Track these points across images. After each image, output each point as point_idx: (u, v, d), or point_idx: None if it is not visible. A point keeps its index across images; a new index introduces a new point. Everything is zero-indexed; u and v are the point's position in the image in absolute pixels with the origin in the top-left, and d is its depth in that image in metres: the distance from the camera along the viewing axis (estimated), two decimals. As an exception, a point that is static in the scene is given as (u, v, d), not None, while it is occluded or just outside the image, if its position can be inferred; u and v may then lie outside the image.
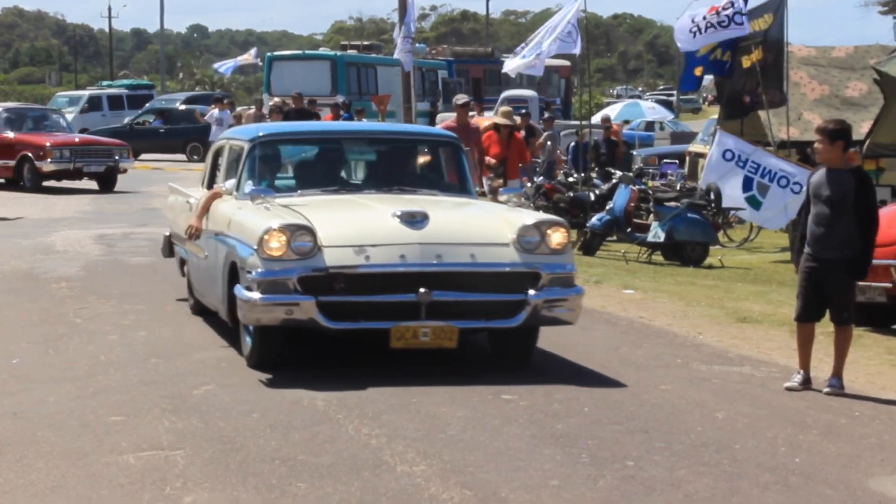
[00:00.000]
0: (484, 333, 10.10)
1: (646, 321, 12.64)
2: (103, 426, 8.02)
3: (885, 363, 10.77)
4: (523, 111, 27.54)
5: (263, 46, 77.65)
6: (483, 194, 11.47)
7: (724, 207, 19.56)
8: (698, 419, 8.44)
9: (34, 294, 13.61)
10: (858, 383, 9.80)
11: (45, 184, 28.55)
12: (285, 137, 11.76)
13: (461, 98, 17.04)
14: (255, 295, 9.21)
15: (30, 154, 28.32)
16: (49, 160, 28.17)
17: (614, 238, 19.69)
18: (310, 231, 9.28)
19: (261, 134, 11.19)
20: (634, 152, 32.82)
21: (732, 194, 18.98)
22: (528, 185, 20.03)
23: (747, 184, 18.80)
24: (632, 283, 15.53)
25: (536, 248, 9.56)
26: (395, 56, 29.48)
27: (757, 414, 8.67)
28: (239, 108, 36.98)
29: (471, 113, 18.85)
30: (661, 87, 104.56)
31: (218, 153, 12.05)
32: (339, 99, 33.18)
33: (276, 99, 32.92)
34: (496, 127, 17.38)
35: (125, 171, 29.62)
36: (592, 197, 20.75)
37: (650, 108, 42.53)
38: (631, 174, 21.25)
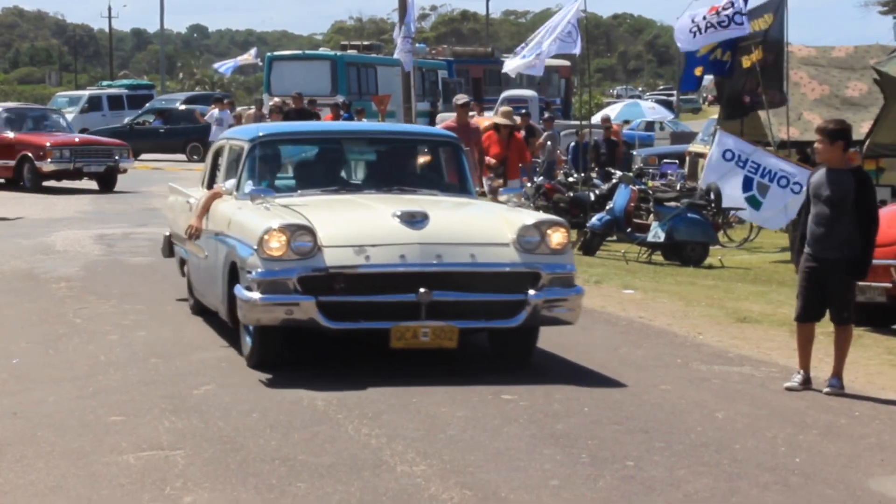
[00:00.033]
0: (483, 333, 10.09)
1: (646, 321, 12.64)
2: (103, 426, 8.02)
3: (884, 363, 10.77)
4: (523, 111, 27.54)
5: (263, 46, 77.70)
6: (483, 194, 11.45)
7: (724, 207, 19.57)
8: (698, 419, 8.44)
9: (34, 294, 13.61)
10: (858, 383, 9.80)
11: (46, 184, 28.53)
12: (285, 137, 11.75)
13: (461, 98, 17.04)
14: (255, 295, 9.20)
15: (30, 154, 28.28)
16: (49, 160, 28.14)
17: (614, 238, 19.69)
18: (310, 231, 9.27)
19: (261, 134, 11.18)
20: (634, 152, 32.82)
21: (732, 194, 18.98)
22: (528, 185, 20.04)
23: (747, 184, 18.80)
24: (632, 283, 15.53)
25: (536, 248, 9.55)
26: (395, 56, 29.47)
27: (757, 414, 8.67)
28: (239, 108, 36.98)
29: (471, 113, 18.84)
30: (661, 87, 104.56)
31: (218, 153, 12.03)
32: (339, 99, 33.18)
33: (276, 99, 32.92)
34: (496, 127, 17.38)
35: (125, 171, 29.59)
36: (592, 197, 20.75)
37: (650, 108, 42.52)
38: (631, 174, 21.25)
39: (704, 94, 74.79)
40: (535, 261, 9.52)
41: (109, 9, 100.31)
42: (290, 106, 29.11)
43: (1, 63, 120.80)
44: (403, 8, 28.33)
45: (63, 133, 29.69)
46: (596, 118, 30.62)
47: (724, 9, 18.88)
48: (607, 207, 19.51)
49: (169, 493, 6.71)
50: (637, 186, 19.89)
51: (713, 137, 20.69)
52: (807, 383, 9.50)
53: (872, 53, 22.70)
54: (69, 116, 37.52)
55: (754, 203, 18.93)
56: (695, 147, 29.94)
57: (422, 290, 9.19)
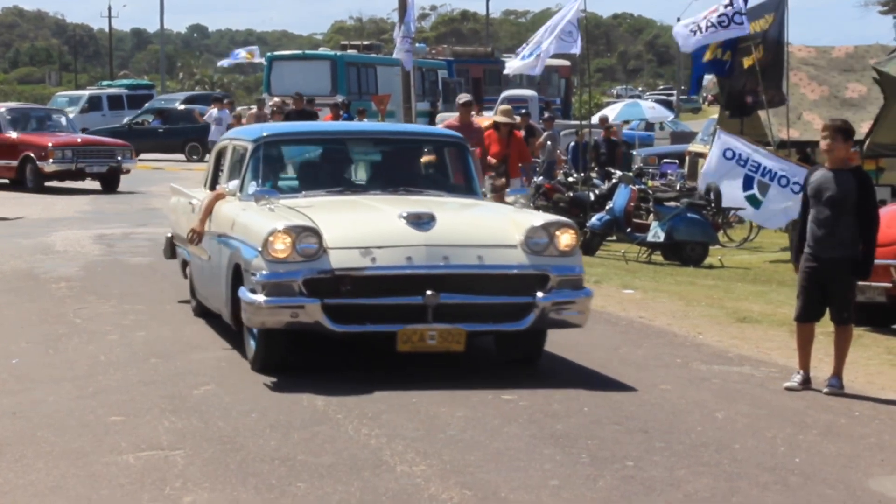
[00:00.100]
0: (487, 335, 9.99)
1: (645, 321, 12.64)
2: (103, 426, 8.02)
3: (884, 363, 10.78)
4: (523, 111, 27.55)
5: (263, 46, 77.57)
6: (485, 194, 11.39)
7: (724, 207, 19.57)
8: (698, 419, 8.44)
9: (34, 294, 13.61)
10: (858, 383, 9.80)
11: (48, 184, 28.47)
12: (289, 138, 11.62)
13: (463, 97, 16.99)
14: (260, 297, 9.09)
15: (32, 154, 28.22)
16: (51, 160, 28.06)
17: (614, 238, 19.69)
18: (315, 232, 9.16)
19: (265, 134, 11.05)
20: (634, 152, 32.84)
21: (732, 194, 18.98)
22: (528, 185, 20.02)
23: (748, 182, 18.79)
24: (631, 282, 15.54)
25: (545, 250, 9.43)
26: (394, 56, 29.46)
27: (756, 414, 8.67)
28: (239, 108, 36.98)
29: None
30: (661, 87, 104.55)
31: (221, 154, 11.95)
32: (339, 99, 33.16)
33: (276, 99, 32.92)
34: (496, 126, 17.36)
35: (128, 171, 29.43)
36: (592, 197, 20.77)
37: (650, 108, 42.45)
38: (631, 174, 21.26)
39: (704, 94, 74.76)
40: (544, 263, 9.40)
41: (109, 9, 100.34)
42: (290, 106, 29.11)
43: (1, 63, 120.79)
44: (403, 8, 28.32)
45: (66, 133, 29.60)
46: (595, 118, 30.62)
47: (724, 7, 18.89)
48: (607, 207, 19.52)
49: (169, 493, 6.71)
50: (637, 186, 19.90)
51: (713, 137, 20.69)
52: (806, 383, 9.50)
53: (872, 53, 22.72)
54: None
55: (754, 202, 18.92)
56: (695, 147, 29.94)
57: (429, 292, 9.08)
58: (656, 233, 18.75)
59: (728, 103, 21.14)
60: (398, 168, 11.34)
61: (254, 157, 10.76)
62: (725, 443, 7.83)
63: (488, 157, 16.76)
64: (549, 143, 26.72)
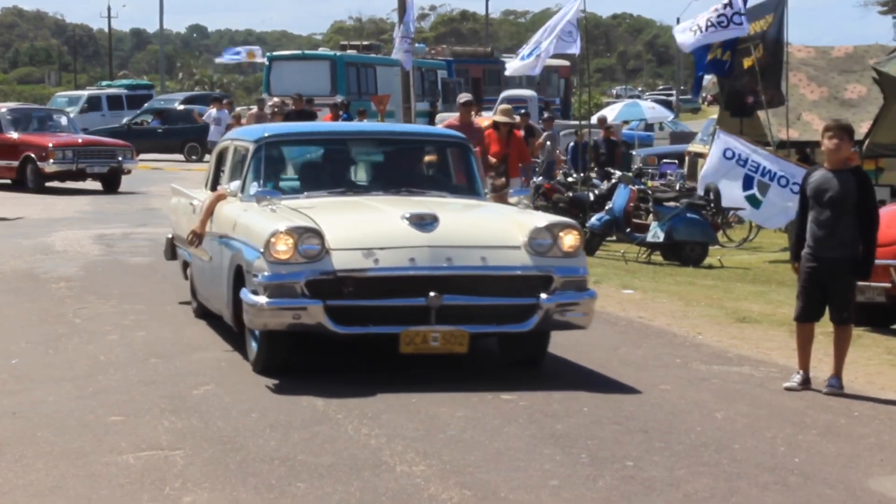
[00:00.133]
0: (490, 337, 9.93)
1: (645, 321, 12.64)
2: (103, 426, 8.02)
3: (884, 363, 10.78)
4: (522, 111, 27.54)
5: (263, 46, 77.57)
6: (486, 194, 11.36)
7: (724, 207, 19.57)
8: (697, 419, 8.44)
9: (34, 294, 13.61)
10: (858, 383, 9.80)
11: (49, 184, 28.42)
12: (291, 138, 11.54)
13: (464, 97, 16.95)
14: (262, 299, 9.04)
15: (32, 155, 28.18)
16: (51, 161, 27.99)
17: (613, 238, 19.69)
18: (317, 234, 9.10)
19: (266, 135, 10.99)
20: (634, 152, 32.83)
21: (732, 194, 18.97)
22: (527, 185, 20.01)
23: (748, 182, 18.79)
24: (631, 283, 15.54)
25: (548, 251, 9.38)
26: (393, 56, 29.45)
27: (756, 414, 8.67)
28: (238, 108, 36.97)
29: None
30: (661, 87, 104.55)
31: (222, 154, 11.88)
32: (338, 99, 33.17)
33: (276, 99, 32.92)
34: (496, 125, 17.35)
35: (129, 172, 29.33)
36: (592, 197, 20.77)
37: (650, 109, 42.47)
38: (630, 174, 21.26)
39: (704, 94, 74.75)
40: (548, 264, 9.34)
41: (109, 9, 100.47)
42: (289, 106, 29.12)
43: (0, 63, 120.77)
44: (403, 8, 28.29)
45: (67, 134, 29.52)
46: (593, 119, 30.62)
47: (723, 7, 18.89)
48: (606, 207, 19.52)
49: (168, 493, 6.71)
50: (636, 186, 19.90)
51: (712, 137, 20.69)
52: (806, 383, 9.50)
53: (872, 53, 22.72)
54: (68, 117, 37.45)
55: (754, 202, 18.92)
56: (694, 147, 29.95)
57: (432, 293, 9.02)
58: (656, 233, 18.75)
59: (728, 103, 21.14)
60: (400, 169, 11.28)
61: (255, 157, 10.70)
62: (725, 443, 7.84)
63: (489, 157, 16.75)
64: (548, 143, 26.73)
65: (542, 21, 32.02)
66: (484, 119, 21.44)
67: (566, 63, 49.89)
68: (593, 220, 19.23)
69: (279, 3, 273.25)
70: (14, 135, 28.64)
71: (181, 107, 44.16)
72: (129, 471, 7.07)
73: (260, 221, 9.55)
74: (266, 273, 9.07)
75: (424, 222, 9.35)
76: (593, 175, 23.84)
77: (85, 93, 53.99)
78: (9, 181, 28.71)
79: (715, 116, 26.35)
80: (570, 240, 9.46)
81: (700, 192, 19.67)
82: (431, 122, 36.59)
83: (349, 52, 44.88)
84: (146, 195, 27.39)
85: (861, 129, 19.07)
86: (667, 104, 59.40)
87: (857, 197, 9.37)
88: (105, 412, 8.37)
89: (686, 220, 18.65)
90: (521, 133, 20.32)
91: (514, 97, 38.73)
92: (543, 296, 9.28)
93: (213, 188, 11.72)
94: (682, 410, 8.70)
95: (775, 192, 18.42)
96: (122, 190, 28.82)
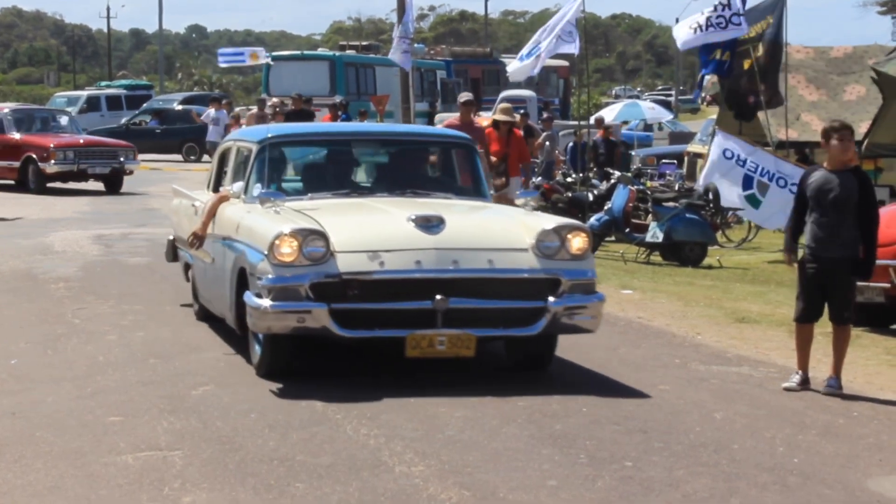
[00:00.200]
0: (496, 340, 9.80)
1: (644, 321, 12.64)
2: (102, 426, 8.02)
3: (883, 363, 10.78)
4: (522, 111, 27.54)
5: (262, 47, 77.57)
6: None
7: (723, 207, 19.57)
8: (697, 419, 8.44)
9: (33, 294, 13.61)
10: (857, 383, 9.80)
11: (50, 185, 28.34)
12: (295, 139, 11.44)
13: (465, 96, 16.91)
14: (266, 302, 8.94)
15: (34, 155, 28.12)
16: (52, 161, 27.88)
17: (613, 238, 19.68)
18: (322, 236, 9.01)
19: (270, 135, 10.87)
20: (633, 152, 32.83)
21: (731, 194, 18.99)
22: (526, 186, 20.00)
23: (747, 182, 18.83)
24: (630, 283, 15.54)
25: (556, 254, 9.27)
26: (390, 56, 29.42)
27: (755, 414, 8.67)
28: (237, 109, 36.95)
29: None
30: (660, 88, 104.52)
31: (224, 155, 11.80)
32: (338, 99, 33.16)
33: (275, 99, 32.91)
34: (496, 124, 17.34)
35: (131, 172, 29.19)
36: (591, 197, 20.76)
37: (650, 109, 42.47)
38: (629, 174, 21.25)
39: (703, 95, 74.69)
40: (555, 266, 9.24)
41: (108, 9, 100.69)
42: (289, 107, 29.11)
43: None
44: (402, 8, 28.27)
45: (68, 134, 29.43)
46: (591, 119, 30.62)
47: (722, 9, 18.90)
48: (606, 208, 19.51)
49: (167, 493, 6.71)
50: (635, 187, 19.89)
51: (712, 137, 20.72)
52: (805, 383, 9.50)
53: (871, 54, 22.76)
54: (67, 117, 37.43)
55: (754, 202, 18.95)
56: (693, 147, 29.96)
57: (438, 296, 8.93)
58: (655, 233, 18.74)
59: (729, 104, 21.15)
60: (405, 170, 11.17)
61: (258, 158, 10.60)
62: (724, 443, 7.84)
63: (490, 157, 16.73)
64: (547, 143, 26.73)
65: (542, 21, 32.07)
66: (483, 119, 21.45)
67: (565, 63, 49.86)
68: (592, 220, 19.21)
69: (278, 3, 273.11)
70: (16, 135, 28.58)
71: (180, 107, 44.13)
72: (128, 471, 7.07)
73: (263, 223, 9.46)
74: (270, 276, 8.99)
75: (430, 224, 9.26)
76: (592, 175, 23.83)
77: (84, 93, 53.96)
78: (11, 182, 28.64)
79: (714, 117, 26.36)
80: (578, 242, 9.36)
81: (700, 189, 19.65)
82: (431, 122, 36.58)
83: (348, 52, 44.87)
84: (145, 195, 27.38)
85: (860, 130, 19.10)
86: (666, 104, 59.38)
87: (859, 197, 9.36)
88: (104, 412, 8.37)
89: (685, 220, 18.64)
90: (521, 132, 20.33)
91: (513, 97, 38.70)
92: (551, 299, 9.18)
93: (216, 189, 11.63)
94: (681, 411, 8.70)
95: (774, 192, 18.46)
96: (122, 191, 28.77)
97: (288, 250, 8.95)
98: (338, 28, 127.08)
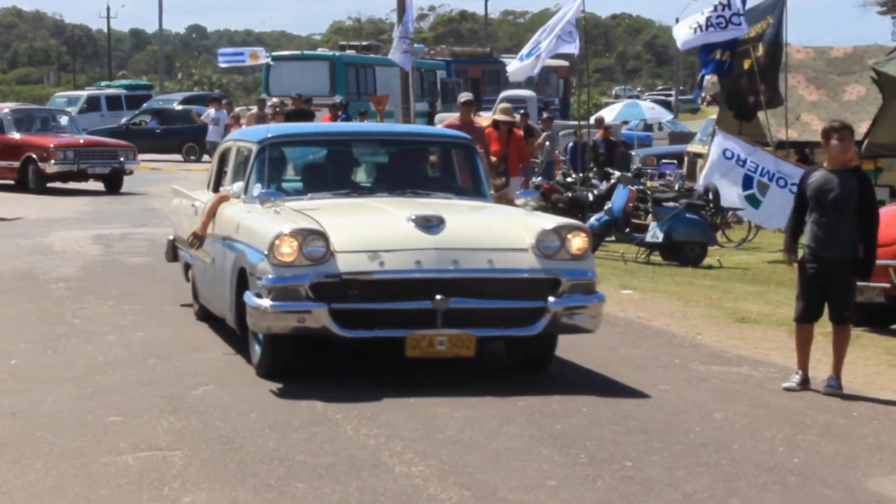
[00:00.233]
0: (496, 340, 9.80)
1: (644, 321, 12.64)
2: (102, 426, 8.02)
3: (883, 363, 10.78)
4: (521, 111, 27.53)
5: (262, 47, 77.58)
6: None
7: (723, 207, 19.58)
8: (696, 419, 8.44)
9: (33, 294, 13.61)
10: (857, 383, 9.80)
11: (50, 185, 28.32)
12: (295, 139, 11.44)
13: (465, 96, 16.90)
14: (266, 302, 8.94)
15: (34, 155, 28.10)
16: (52, 161, 27.84)
17: (613, 238, 19.68)
18: (322, 236, 9.01)
19: (270, 135, 10.86)
20: (633, 152, 32.83)
21: (731, 194, 18.99)
22: (526, 186, 20.00)
23: (747, 182, 18.83)
24: (630, 283, 15.54)
25: (556, 254, 9.27)
26: (389, 56, 29.41)
27: (755, 414, 8.68)
28: (237, 109, 36.93)
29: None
30: (660, 88, 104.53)
31: (224, 155, 11.79)
32: (337, 99, 33.16)
33: (275, 99, 32.91)
34: (496, 124, 17.34)
35: (131, 172, 29.17)
36: (591, 197, 20.76)
37: (650, 109, 42.49)
38: (629, 174, 21.25)
39: (703, 95, 74.70)
40: (555, 266, 9.24)
41: (108, 9, 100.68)
42: (289, 106, 29.11)
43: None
44: (402, 8, 28.26)
45: (68, 134, 29.41)
46: (591, 120, 30.62)
47: (722, 9, 18.91)
48: (606, 208, 19.51)
49: (167, 493, 6.71)
50: (635, 187, 19.89)
51: (712, 138, 20.72)
52: (805, 384, 9.50)
53: (871, 53, 22.77)
54: (67, 117, 37.42)
55: (754, 202, 18.95)
56: (693, 147, 29.96)
57: (438, 296, 8.92)
58: (655, 233, 18.74)
59: (730, 104, 21.16)
60: (405, 170, 11.16)
61: (259, 158, 10.59)
62: (724, 443, 7.84)
63: (490, 157, 16.73)
64: (547, 143, 26.73)
65: (542, 21, 32.09)
66: (483, 119, 21.45)
67: (565, 63, 49.86)
68: (592, 220, 19.21)
69: (278, 3, 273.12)
70: (16, 135, 28.56)
71: (179, 107, 44.13)
72: (128, 471, 7.07)
73: (264, 223, 9.46)
74: (270, 276, 8.98)
75: (430, 224, 9.25)
76: (592, 175, 23.84)
77: (84, 93, 53.96)
78: (11, 182, 28.62)
79: (714, 117, 26.37)
80: (578, 242, 9.36)
81: (700, 189, 19.65)
82: (430, 122, 36.58)
83: (348, 52, 44.87)
84: (145, 195, 27.38)
85: (860, 130, 19.11)
86: (666, 104, 59.38)
87: (860, 197, 9.36)
88: (104, 412, 8.37)
89: (685, 220, 18.65)
90: (521, 132, 20.33)
91: (513, 97, 38.70)
92: (551, 299, 9.18)
93: (216, 189, 11.62)
94: (681, 411, 8.70)
95: (774, 192, 18.46)
96: (121, 191, 28.76)
97: (288, 250, 8.94)
98: (338, 28, 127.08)
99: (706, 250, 18.94)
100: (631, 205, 19.39)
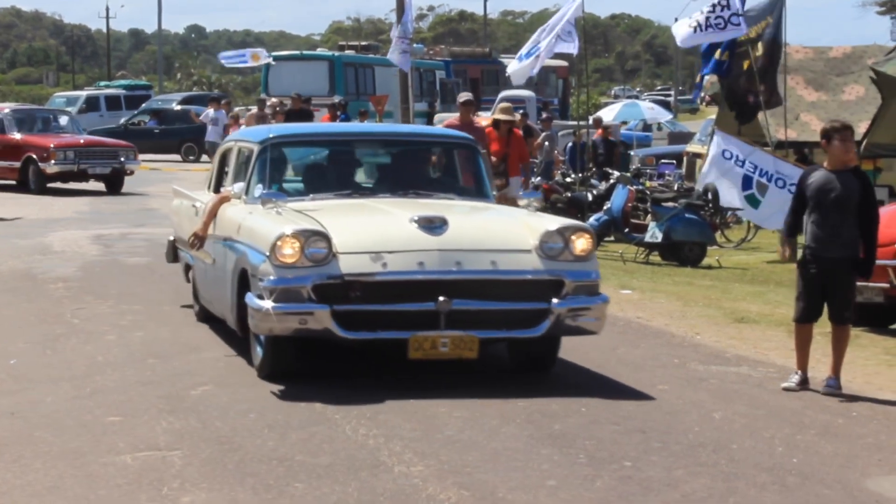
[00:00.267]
0: (500, 342, 9.76)
1: (643, 321, 12.65)
2: (101, 426, 8.02)
3: (882, 363, 10.78)
4: (521, 111, 27.52)
5: (261, 47, 77.56)
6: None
7: (722, 207, 19.58)
8: (696, 419, 8.44)
9: (32, 294, 13.61)
10: (856, 383, 9.80)
11: (51, 185, 28.28)
12: (297, 139, 11.38)
13: (464, 96, 16.88)
14: (268, 304, 8.89)
15: (34, 156, 28.07)
16: (52, 162, 27.80)
17: (612, 238, 19.69)
18: (324, 237, 8.96)
19: (271, 136, 10.82)
20: (632, 152, 32.83)
21: (731, 194, 18.99)
22: (525, 186, 20.00)
23: (747, 182, 18.83)
24: (629, 283, 15.54)
25: (560, 255, 9.22)
26: (388, 57, 29.40)
27: (754, 414, 8.68)
28: (237, 109, 36.92)
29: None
30: (659, 88, 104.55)
31: (225, 155, 11.75)
32: (336, 99, 33.15)
33: (274, 99, 32.90)
34: (496, 123, 17.33)
35: (132, 172, 29.10)
36: (590, 197, 20.77)
37: (649, 109, 42.54)
38: (628, 174, 21.26)
39: (702, 95, 74.67)
40: (559, 268, 9.19)
41: (107, 9, 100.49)
42: (288, 106, 29.09)
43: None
44: (401, 8, 28.25)
45: (69, 134, 29.37)
46: (590, 120, 30.62)
47: (721, 9, 18.91)
48: (605, 208, 19.52)
49: (166, 493, 6.71)
50: (635, 187, 19.90)
51: (711, 138, 20.72)
52: (804, 384, 9.50)
53: (870, 54, 22.77)
54: (66, 117, 37.40)
55: (753, 202, 18.95)
56: (692, 147, 29.96)
57: (441, 298, 8.87)
58: (654, 233, 18.75)
59: (730, 103, 21.16)
60: (408, 170, 11.10)
61: (260, 158, 10.54)
62: (723, 443, 7.84)
63: (491, 157, 16.72)
64: (546, 143, 26.73)
65: (541, 21, 32.07)
66: (482, 119, 21.44)
67: (564, 63, 49.85)
68: (591, 220, 19.22)
69: (277, 3, 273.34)
70: (16, 135, 28.54)
71: (178, 107, 44.11)
72: (127, 471, 7.07)
73: (265, 224, 9.42)
74: (272, 277, 8.94)
75: (433, 225, 9.21)
76: (591, 175, 23.84)
77: (83, 93, 53.96)
78: (12, 182, 28.59)
79: (713, 117, 26.37)
80: (581, 243, 9.32)
81: (699, 189, 19.65)
82: (430, 122, 36.57)
83: (347, 52, 44.87)
84: (144, 196, 27.37)
85: (859, 130, 19.10)
86: (665, 104, 59.42)
87: (860, 197, 9.36)
88: (103, 412, 8.37)
89: (684, 220, 18.65)
90: (521, 132, 20.32)
91: (513, 97, 38.68)
92: (555, 300, 9.14)
93: (216, 190, 11.59)
94: (680, 410, 8.70)
95: (773, 192, 18.46)
96: (121, 191, 28.73)
97: (290, 251, 8.90)
98: (337, 28, 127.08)
99: (705, 250, 18.94)
100: (630, 205, 19.40)
